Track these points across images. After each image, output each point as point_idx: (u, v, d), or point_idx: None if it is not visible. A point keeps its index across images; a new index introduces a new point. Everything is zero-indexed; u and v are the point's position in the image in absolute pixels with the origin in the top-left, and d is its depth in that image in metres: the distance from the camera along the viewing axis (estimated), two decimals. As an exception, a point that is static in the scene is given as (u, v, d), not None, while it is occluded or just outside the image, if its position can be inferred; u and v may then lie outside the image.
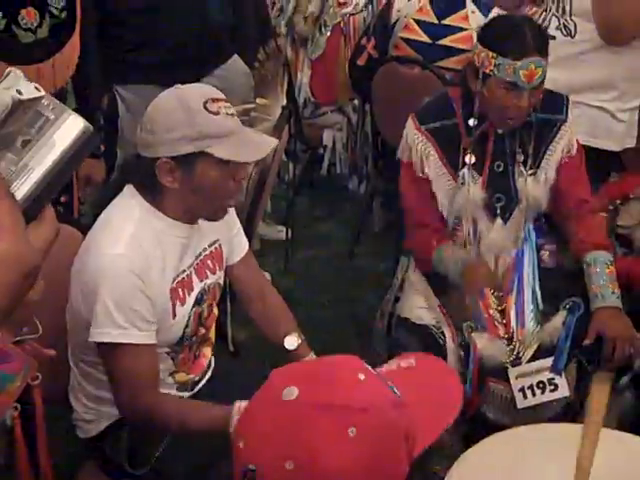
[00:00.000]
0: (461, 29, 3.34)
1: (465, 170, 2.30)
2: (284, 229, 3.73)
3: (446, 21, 3.39)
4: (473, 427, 2.24)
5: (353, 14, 4.01)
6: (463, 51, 3.27)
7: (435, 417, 1.10)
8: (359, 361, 1.09)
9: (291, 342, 1.99)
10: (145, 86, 2.70)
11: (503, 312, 2.32)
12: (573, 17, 2.70)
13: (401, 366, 1.18)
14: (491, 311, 2.31)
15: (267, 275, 3.38)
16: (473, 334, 2.25)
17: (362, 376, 1.05)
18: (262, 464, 1.00)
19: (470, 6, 3.34)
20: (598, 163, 2.77)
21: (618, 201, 3.06)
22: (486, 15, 3.23)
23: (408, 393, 1.07)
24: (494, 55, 2.15)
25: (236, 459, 1.03)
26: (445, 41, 3.38)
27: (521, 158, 2.32)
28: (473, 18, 3.32)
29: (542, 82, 2.18)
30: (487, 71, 2.17)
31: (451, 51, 3.34)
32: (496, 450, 1.67)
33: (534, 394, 2.24)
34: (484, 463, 1.63)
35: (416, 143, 2.32)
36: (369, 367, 1.09)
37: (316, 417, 0.99)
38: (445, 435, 2.24)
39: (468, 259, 2.30)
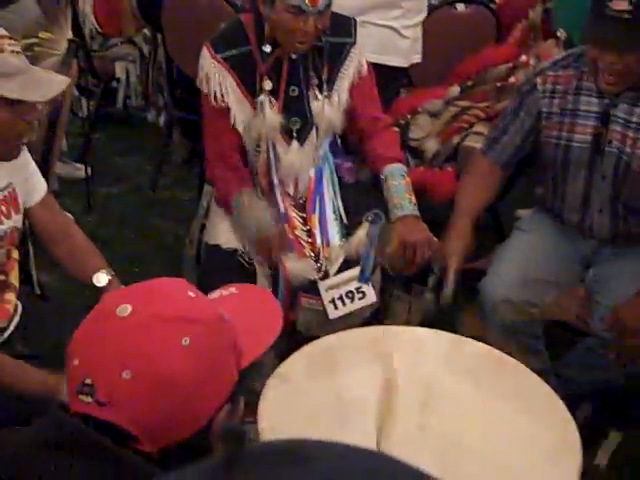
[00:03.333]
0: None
1: (262, 96, 2.33)
2: (82, 167, 3.62)
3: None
4: (289, 343, 2.33)
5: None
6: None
7: (258, 336, 1.17)
8: (186, 282, 1.15)
9: (100, 279, 1.97)
10: None
11: (309, 231, 2.39)
12: None
13: (223, 294, 1.23)
14: (297, 232, 2.38)
15: (69, 216, 3.29)
16: (280, 256, 2.31)
17: (192, 294, 1.10)
18: (99, 377, 1.02)
19: None
20: (388, 80, 2.88)
21: (408, 115, 3.21)
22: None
23: (233, 314, 1.12)
24: None
25: (70, 377, 1.05)
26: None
27: (315, 82, 2.37)
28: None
29: (328, 6, 2.22)
30: None
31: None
32: (307, 361, 1.75)
33: (344, 304, 2.35)
34: (297, 375, 1.70)
35: (213, 72, 2.32)
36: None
37: (151, 328, 1.03)
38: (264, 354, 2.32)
39: (263, 222, 2.30)
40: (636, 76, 2.14)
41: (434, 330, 1.97)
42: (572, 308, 2.44)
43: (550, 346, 2.46)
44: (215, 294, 1.24)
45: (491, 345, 2.21)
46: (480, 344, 1.92)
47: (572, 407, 2.16)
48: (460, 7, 3.64)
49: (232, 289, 1.24)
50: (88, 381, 1.02)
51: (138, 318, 1.03)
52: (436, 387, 1.73)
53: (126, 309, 1.04)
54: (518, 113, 2.40)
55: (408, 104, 3.24)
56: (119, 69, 4.18)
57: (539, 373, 2.18)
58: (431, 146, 3.07)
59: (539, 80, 2.34)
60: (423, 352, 1.87)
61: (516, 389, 1.76)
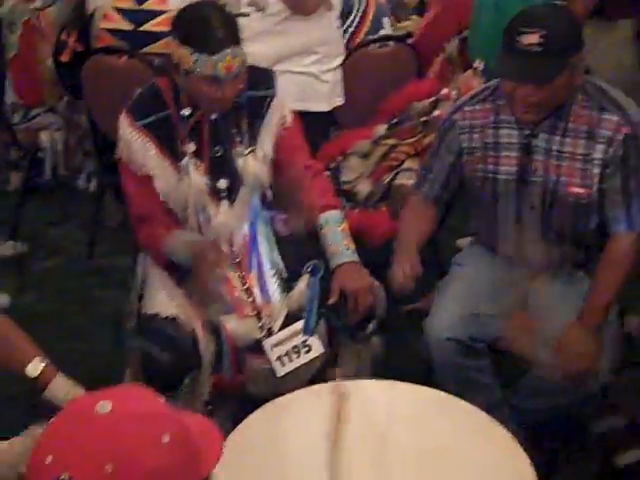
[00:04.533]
0: (162, 12, 3.32)
1: (186, 159, 2.31)
2: (14, 243, 3.55)
3: (146, 5, 3.35)
4: (241, 406, 2.30)
5: (42, 9, 3.81)
6: (168, 34, 3.25)
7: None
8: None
9: (34, 369, 1.87)
10: None
11: (248, 290, 2.37)
12: None
13: None
14: (236, 292, 2.35)
15: (5, 297, 3.22)
16: (222, 317, 2.28)
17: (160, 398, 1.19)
18: (79, 471, 1.05)
19: (164, -15, 3.32)
20: (314, 125, 2.89)
21: (339, 158, 3.23)
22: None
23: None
24: (191, 51, 2.16)
25: (41, 473, 1.07)
26: (148, 26, 3.34)
27: (238, 139, 2.37)
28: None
29: (244, 67, 2.22)
30: (187, 67, 2.18)
31: (156, 35, 3.31)
32: (258, 427, 1.72)
33: (291, 359, 2.32)
34: (248, 444, 1.67)
35: (133, 141, 2.29)
36: None
37: (133, 425, 1.09)
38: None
39: (193, 241, 2.30)
40: (553, 105, 2.18)
41: (383, 382, 1.94)
42: (519, 338, 2.45)
43: (501, 376, 2.47)
44: None
45: (440, 385, 2.22)
46: (434, 390, 1.91)
47: (531, 437, 2.19)
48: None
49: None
50: (64, 476, 1.04)
51: (119, 414, 1.08)
52: (389, 443, 1.71)
53: (106, 406, 1.09)
54: (439, 151, 2.43)
55: (337, 147, 3.26)
56: (44, 138, 4.12)
57: (491, 408, 2.19)
58: (363, 187, 3.09)
59: (457, 117, 2.37)
60: (373, 407, 1.85)
61: (471, 431, 1.75)
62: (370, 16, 3.49)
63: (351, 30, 3.41)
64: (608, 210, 2.24)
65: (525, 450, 2.19)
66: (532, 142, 2.25)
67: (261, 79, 2.41)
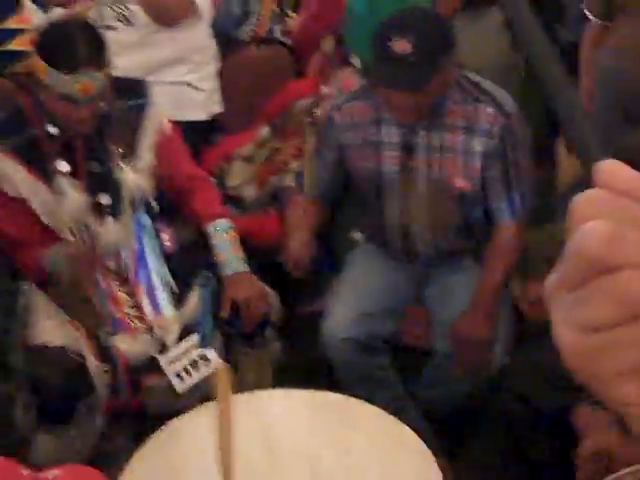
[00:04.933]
0: (24, 30, 3.20)
1: (60, 178, 2.22)
2: None
3: (7, 24, 3.23)
4: (142, 425, 2.23)
5: None
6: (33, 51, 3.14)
7: None
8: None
9: None
10: None
11: (137, 305, 2.30)
12: (128, 5, 2.72)
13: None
14: (125, 309, 2.28)
15: None
16: (112, 338, 2.21)
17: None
18: None
19: (29, 5, 3.21)
20: (193, 135, 2.84)
21: (223, 164, 3.18)
22: (46, 11, 3.12)
23: None
24: (48, 67, 2.07)
25: None
26: (11, 45, 3.22)
27: (115, 152, 2.29)
28: (35, 17, 3.19)
29: (102, 91, 2.13)
30: (45, 82, 2.10)
31: (20, 55, 3.19)
32: (150, 459, 1.65)
33: (190, 374, 2.27)
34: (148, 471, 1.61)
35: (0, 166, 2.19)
36: None
37: None
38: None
39: (67, 244, 2.23)
40: (430, 105, 2.18)
41: (279, 390, 1.90)
42: (414, 331, 2.47)
43: (401, 369, 2.48)
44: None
45: (343, 385, 2.21)
46: (332, 395, 1.88)
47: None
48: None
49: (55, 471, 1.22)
50: None
51: None
52: (285, 454, 1.68)
53: None
54: (321, 149, 2.42)
55: (221, 152, 3.21)
56: None
57: (395, 402, 2.19)
58: (250, 192, 3.05)
59: (336, 115, 2.36)
60: (268, 418, 1.81)
61: (372, 434, 1.73)
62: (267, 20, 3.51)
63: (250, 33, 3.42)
64: (491, 201, 2.28)
65: (432, 433, 2.23)
66: (413, 139, 2.26)
67: (134, 89, 2.34)
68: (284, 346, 2.51)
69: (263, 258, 2.85)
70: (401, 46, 2.06)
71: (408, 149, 2.26)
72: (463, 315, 2.22)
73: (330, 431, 1.73)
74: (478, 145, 2.21)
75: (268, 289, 2.36)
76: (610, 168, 0.46)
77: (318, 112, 3.16)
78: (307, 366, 2.63)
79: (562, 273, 0.45)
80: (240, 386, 2.17)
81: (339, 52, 3.47)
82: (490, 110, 2.20)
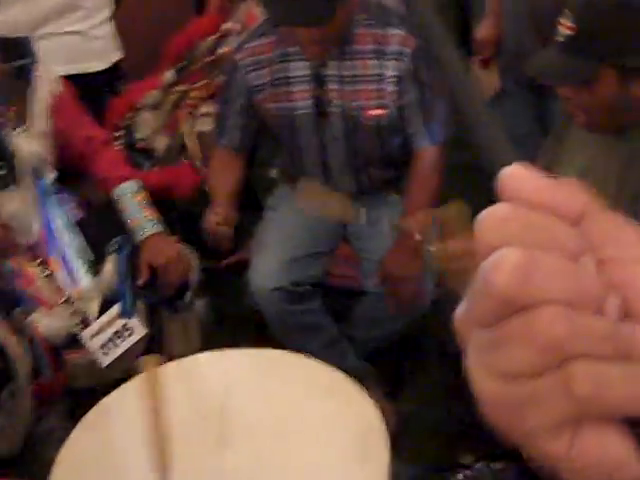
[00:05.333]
0: None
1: None
2: None
3: None
4: (74, 401, 2.15)
5: None
6: None
7: None
8: None
9: None
10: None
11: (51, 277, 2.17)
12: None
13: None
14: (38, 283, 2.15)
15: None
16: (28, 319, 2.09)
17: None
18: None
19: None
20: (94, 88, 2.69)
21: (129, 115, 3.02)
22: None
23: None
24: None
25: None
26: None
27: (5, 119, 2.13)
28: None
29: None
30: None
31: None
32: (81, 444, 1.58)
33: (116, 345, 2.17)
34: (75, 466, 1.53)
35: None
36: None
37: None
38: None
39: None
40: (339, 34, 2.07)
41: (214, 353, 1.82)
42: (345, 271, 2.41)
43: (334, 312, 2.42)
44: None
45: (277, 335, 2.14)
46: (268, 351, 1.80)
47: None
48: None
49: None
50: None
51: None
52: (226, 417, 1.61)
53: None
54: (229, 94, 2.29)
55: (126, 103, 3.04)
56: None
57: (330, 345, 2.14)
58: (160, 142, 2.91)
59: (239, 56, 2.24)
60: (205, 382, 1.74)
61: (311, 387, 1.67)
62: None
63: None
64: (409, 127, 2.19)
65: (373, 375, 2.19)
66: (323, 72, 2.15)
67: (15, 48, 2.17)
68: (210, 302, 2.42)
69: (181, 210, 2.74)
70: None
71: (319, 81, 2.16)
72: (390, 252, 2.15)
73: (267, 387, 1.67)
74: (390, 69, 2.12)
75: (186, 249, 2.25)
76: (517, 175, 0.36)
77: (223, 51, 3.01)
78: (238, 319, 2.56)
79: (471, 308, 0.37)
80: (168, 353, 2.10)
81: (238, -16, 3.31)
82: (400, 32, 2.10)
